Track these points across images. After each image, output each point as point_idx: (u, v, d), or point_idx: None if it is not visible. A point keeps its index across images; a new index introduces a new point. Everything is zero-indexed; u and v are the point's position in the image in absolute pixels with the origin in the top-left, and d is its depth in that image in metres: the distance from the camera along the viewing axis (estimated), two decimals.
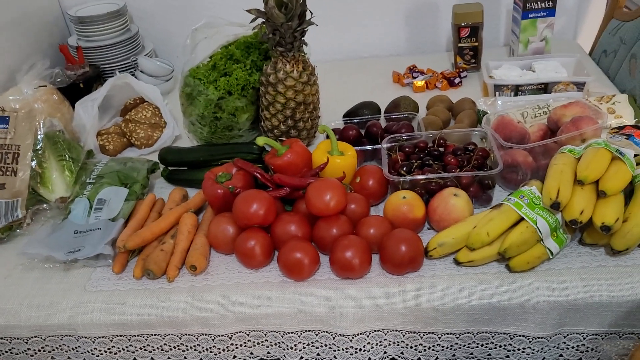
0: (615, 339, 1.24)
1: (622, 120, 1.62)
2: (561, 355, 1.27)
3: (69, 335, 1.32)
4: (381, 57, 2.42)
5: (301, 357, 1.31)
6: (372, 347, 1.28)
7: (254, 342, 1.30)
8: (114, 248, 1.39)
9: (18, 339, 1.34)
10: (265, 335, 1.29)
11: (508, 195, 1.30)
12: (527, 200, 1.24)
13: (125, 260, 1.38)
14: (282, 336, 1.29)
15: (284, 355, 1.31)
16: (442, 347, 1.27)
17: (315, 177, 1.41)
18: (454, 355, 1.29)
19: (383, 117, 1.78)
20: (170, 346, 1.32)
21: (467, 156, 1.45)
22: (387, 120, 1.75)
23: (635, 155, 1.29)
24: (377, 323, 1.25)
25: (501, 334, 1.25)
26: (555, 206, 1.19)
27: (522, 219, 1.23)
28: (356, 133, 1.66)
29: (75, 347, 1.33)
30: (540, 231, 1.20)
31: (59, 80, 2.03)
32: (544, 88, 1.83)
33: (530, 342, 1.24)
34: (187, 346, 1.32)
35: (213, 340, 1.30)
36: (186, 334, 1.30)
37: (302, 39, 1.60)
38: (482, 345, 1.27)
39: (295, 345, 1.29)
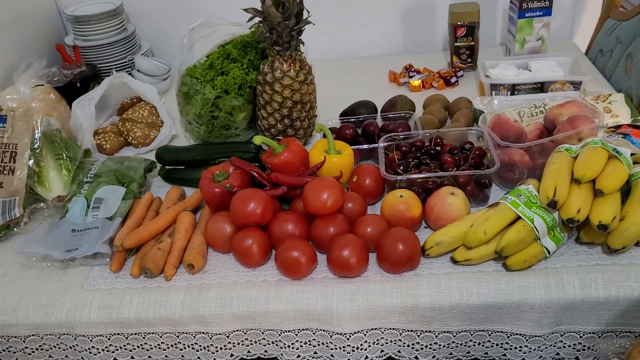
0: (611, 338, 1.24)
1: (619, 120, 1.63)
2: (558, 354, 1.27)
3: (67, 334, 1.32)
4: (377, 57, 2.42)
5: (298, 356, 1.31)
6: (370, 346, 1.28)
7: (251, 340, 1.30)
8: (111, 247, 1.39)
9: (16, 337, 1.33)
10: (263, 333, 1.29)
11: (505, 194, 1.30)
12: (524, 199, 1.25)
13: (122, 259, 1.38)
14: (280, 335, 1.29)
15: (281, 354, 1.31)
16: (439, 345, 1.28)
17: (312, 176, 1.41)
18: (450, 353, 1.29)
19: (380, 116, 1.78)
20: (167, 345, 1.32)
21: (464, 155, 1.45)
22: (384, 119, 1.75)
23: (632, 154, 1.30)
24: (374, 322, 1.25)
25: (498, 332, 1.25)
26: (552, 205, 1.20)
27: (519, 217, 1.23)
28: (353, 132, 1.66)
29: (73, 346, 1.33)
30: (537, 230, 1.20)
31: (55, 79, 2.02)
32: (540, 87, 1.83)
33: (527, 340, 1.25)
34: (184, 344, 1.32)
35: (210, 338, 1.30)
36: (184, 333, 1.30)
37: (299, 38, 1.60)
38: (479, 343, 1.27)
39: (292, 343, 1.30)
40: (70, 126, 1.83)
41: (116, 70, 1.99)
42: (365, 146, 1.61)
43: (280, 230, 1.33)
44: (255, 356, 1.33)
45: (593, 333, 1.24)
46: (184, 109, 1.74)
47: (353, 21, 2.37)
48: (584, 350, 1.26)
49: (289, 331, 1.28)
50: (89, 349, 1.33)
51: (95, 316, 1.28)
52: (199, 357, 1.33)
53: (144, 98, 1.95)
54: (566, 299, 1.19)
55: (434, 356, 1.29)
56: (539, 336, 1.24)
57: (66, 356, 1.35)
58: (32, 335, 1.33)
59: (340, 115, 1.83)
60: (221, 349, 1.31)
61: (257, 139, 1.43)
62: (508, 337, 1.25)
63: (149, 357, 1.34)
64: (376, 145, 1.56)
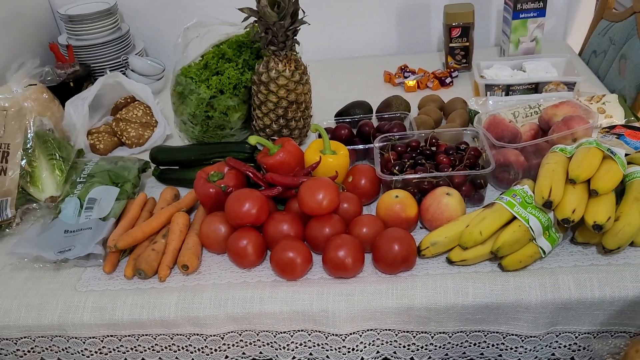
0: (607, 338, 1.24)
1: (612, 120, 1.63)
2: (553, 354, 1.27)
3: (59, 336, 1.31)
4: (372, 57, 2.42)
5: (294, 357, 1.31)
6: (365, 347, 1.28)
7: (246, 342, 1.30)
8: (104, 248, 1.38)
9: (7, 339, 1.32)
10: (258, 335, 1.29)
11: (500, 195, 1.30)
12: (519, 199, 1.25)
13: (116, 260, 1.37)
14: (275, 336, 1.28)
15: (277, 355, 1.31)
16: (435, 346, 1.27)
17: (307, 176, 1.40)
18: (446, 354, 1.29)
19: (375, 116, 1.78)
20: (161, 346, 1.31)
21: (459, 155, 1.45)
22: (379, 119, 1.75)
23: (626, 155, 1.30)
24: (370, 322, 1.24)
25: (494, 333, 1.25)
26: (548, 205, 1.20)
27: (514, 218, 1.23)
28: (348, 132, 1.66)
29: (66, 348, 1.32)
30: (532, 230, 1.20)
31: (49, 79, 2.01)
32: (535, 88, 1.84)
33: (522, 341, 1.25)
34: (178, 346, 1.31)
35: (205, 340, 1.29)
36: (178, 334, 1.29)
37: (295, 38, 1.60)
38: (474, 344, 1.27)
39: (287, 345, 1.29)
40: (63, 126, 1.82)
41: (110, 70, 1.98)
42: (361, 146, 1.60)
43: (275, 231, 1.33)
44: (250, 358, 1.33)
45: (588, 333, 1.24)
46: (179, 109, 1.73)
47: (348, 21, 2.37)
48: (579, 350, 1.26)
49: (284, 332, 1.27)
50: (81, 351, 1.32)
51: (88, 318, 1.28)
52: (193, 359, 1.32)
53: (138, 98, 1.94)
54: (561, 299, 1.19)
55: (429, 357, 1.29)
56: (534, 336, 1.24)
57: (59, 359, 1.34)
58: (24, 337, 1.32)
59: (336, 116, 1.83)
60: (216, 350, 1.31)
61: (252, 139, 1.43)
62: (504, 337, 1.25)
63: (143, 359, 1.33)
64: (371, 145, 1.56)
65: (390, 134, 1.56)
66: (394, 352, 1.29)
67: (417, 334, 1.26)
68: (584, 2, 2.34)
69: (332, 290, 1.25)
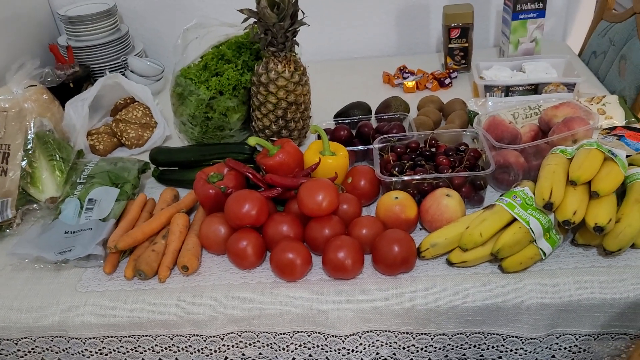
0: (607, 340, 1.24)
1: (613, 121, 1.63)
2: (553, 356, 1.27)
3: (60, 336, 1.31)
4: (371, 58, 2.42)
5: (293, 358, 1.31)
6: (365, 348, 1.28)
7: (245, 343, 1.30)
8: (105, 248, 1.38)
9: (8, 340, 1.32)
10: (257, 336, 1.28)
11: (500, 196, 1.30)
12: (519, 201, 1.24)
13: (116, 261, 1.37)
14: (274, 337, 1.28)
15: (276, 357, 1.31)
16: (435, 348, 1.27)
17: (307, 178, 1.40)
18: (446, 356, 1.29)
19: (374, 117, 1.78)
20: (161, 347, 1.31)
21: (459, 157, 1.45)
22: (378, 120, 1.75)
23: (626, 156, 1.30)
24: (369, 324, 1.24)
25: (494, 334, 1.25)
26: (548, 207, 1.20)
27: (514, 219, 1.23)
28: (347, 133, 1.65)
29: (66, 348, 1.32)
30: (533, 232, 1.20)
31: (48, 79, 2.01)
32: (534, 89, 1.84)
33: (522, 343, 1.25)
34: (178, 347, 1.31)
35: (205, 341, 1.29)
36: (178, 335, 1.29)
37: (294, 39, 1.60)
38: (474, 346, 1.27)
39: (287, 346, 1.29)
40: (63, 127, 1.82)
41: (109, 71, 1.98)
42: (360, 147, 1.60)
43: (275, 232, 1.33)
44: (250, 359, 1.33)
45: (589, 335, 1.24)
46: (178, 110, 1.73)
47: (347, 22, 2.37)
48: (579, 352, 1.26)
49: (284, 333, 1.27)
50: (82, 351, 1.32)
51: (89, 318, 1.28)
52: None
53: (137, 99, 1.94)
54: (562, 301, 1.19)
55: (429, 358, 1.29)
56: (534, 338, 1.24)
57: (59, 359, 1.34)
58: (25, 337, 1.31)
59: (335, 117, 1.82)
60: (215, 351, 1.31)
61: (252, 140, 1.43)
62: (504, 339, 1.25)
63: (143, 359, 1.33)
64: (371, 146, 1.56)
65: (390, 135, 1.56)
66: (394, 354, 1.29)
67: (416, 336, 1.26)
68: (583, 2, 2.34)
69: (332, 291, 1.25)
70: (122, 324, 1.27)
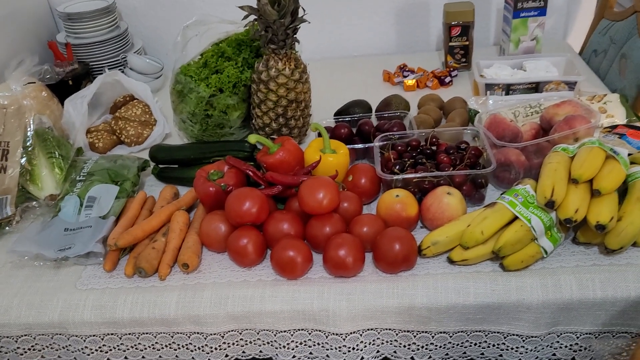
0: (608, 338, 1.24)
1: (614, 120, 1.63)
2: (554, 355, 1.27)
3: (60, 334, 1.30)
4: (372, 56, 2.41)
5: (294, 356, 1.30)
6: (365, 346, 1.27)
7: (246, 340, 1.30)
8: (104, 246, 1.38)
9: (7, 337, 1.32)
10: (258, 334, 1.28)
11: (502, 194, 1.30)
12: (521, 199, 1.24)
13: (116, 258, 1.37)
14: (275, 335, 1.28)
15: (277, 354, 1.31)
16: (436, 346, 1.27)
17: (307, 175, 1.40)
18: (447, 354, 1.29)
19: (374, 115, 1.78)
20: (162, 345, 1.31)
21: (460, 155, 1.45)
22: (379, 118, 1.74)
23: (628, 154, 1.30)
24: (370, 322, 1.24)
25: (495, 333, 1.25)
26: (550, 205, 1.20)
27: (516, 217, 1.23)
28: (348, 131, 1.65)
29: (66, 346, 1.32)
30: (534, 230, 1.20)
31: (47, 77, 2.00)
32: (535, 87, 1.84)
33: (523, 341, 1.24)
34: (179, 345, 1.31)
35: (205, 338, 1.29)
36: (178, 333, 1.29)
37: (294, 36, 1.60)
38: (475, 344, 1.27)
39: (288, 344, 1.29)
40: (62, 124, 1.82)
41: (109, 69, 1.98)
42: (361, 145, 1.60)
43: (275, 230, 1.32)
44: (250, 356, 1.32)
45: (590, 334, 1.23)
46: (178, 108, 1.73)
47: (348, 20, 2.37)
48: (580, 350, 1.26)
49: (285, 331, 1.27)
50: (82, 349, 1.32)
51: (89, 316, 1.27)
52: (193, 358, 1.32)
53: (137, 96, 1.94)
54: (563, 299, 1.18)
55: (430, 357, 1.29)
56: (535, 337, 1.23)
57: (59, 357, 1.34)
58: (25, 335, 1.31)
59: (335, 115, 1.82)
60: (216, 349, 1.30)
61: (252, 138, 1.42)
62: (505, 337, 1.25)
63: (143, 357, 1.33)
64: (371, 144, 1.56)
65: (390, 133, 1.56)
66: (395, 352, 1.29)
67: (417, 334, 1.26)
68: (584, 1, 2.34)
69: (333, 289, 1.24)
70: (123, 322, 1.27)
